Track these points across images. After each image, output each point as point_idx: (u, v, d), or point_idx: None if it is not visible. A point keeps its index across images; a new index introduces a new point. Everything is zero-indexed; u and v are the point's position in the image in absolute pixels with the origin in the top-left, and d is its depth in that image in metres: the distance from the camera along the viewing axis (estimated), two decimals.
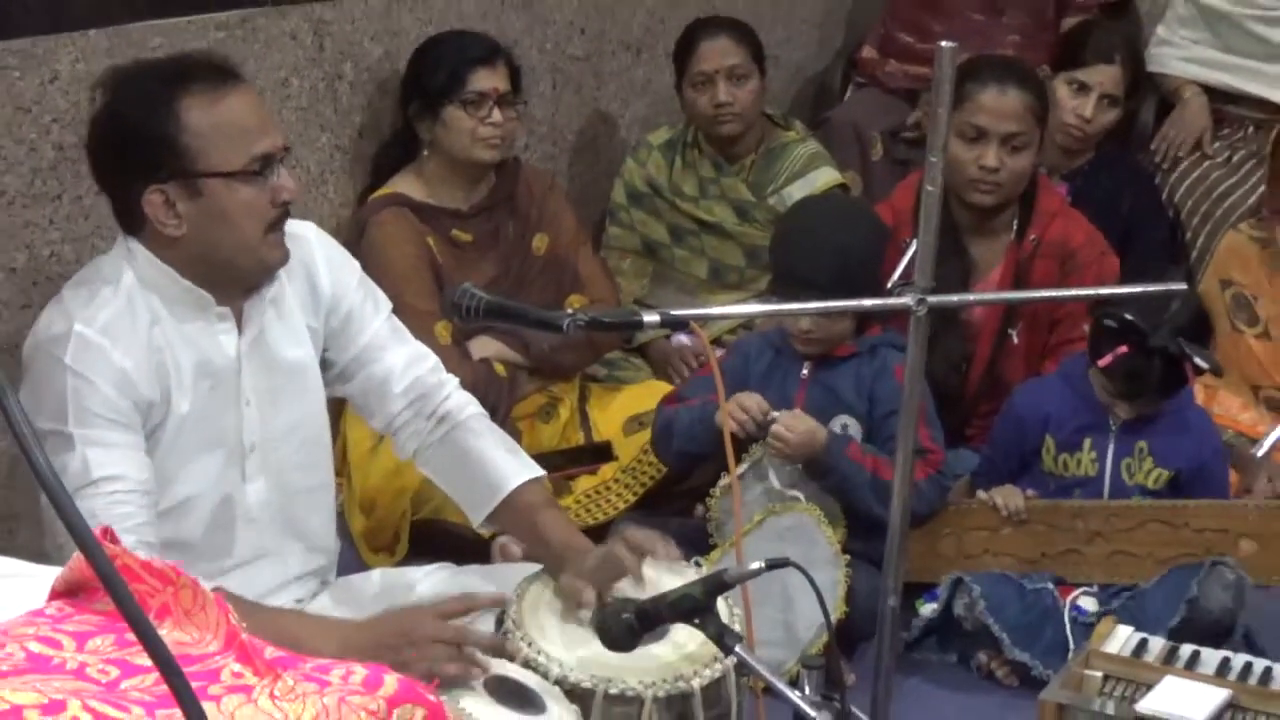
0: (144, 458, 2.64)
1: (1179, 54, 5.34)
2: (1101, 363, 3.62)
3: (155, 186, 2.62)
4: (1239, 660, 2.89)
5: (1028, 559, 3.72)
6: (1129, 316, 3.54)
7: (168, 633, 1.43)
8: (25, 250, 3.37)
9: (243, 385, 2.77)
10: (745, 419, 3.52)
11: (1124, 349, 3.58)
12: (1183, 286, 3.41)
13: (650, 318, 2.74)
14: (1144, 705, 2.73)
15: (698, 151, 4.76)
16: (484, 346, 4.05)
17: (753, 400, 3.56)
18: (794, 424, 3.55)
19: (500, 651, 2.62)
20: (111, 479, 2.57)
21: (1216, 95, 5.26)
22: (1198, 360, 3.50)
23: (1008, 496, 3.71)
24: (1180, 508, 3.69)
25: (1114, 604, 3.58)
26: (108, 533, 1.45)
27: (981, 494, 3.76)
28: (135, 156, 2.64)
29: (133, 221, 2.68)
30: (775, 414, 3.55)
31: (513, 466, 2.91)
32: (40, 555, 2.37)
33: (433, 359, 2.99)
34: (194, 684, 1.16)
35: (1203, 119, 5.22)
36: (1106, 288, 3.59)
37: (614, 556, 2.75)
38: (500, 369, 4.03)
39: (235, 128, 2.63)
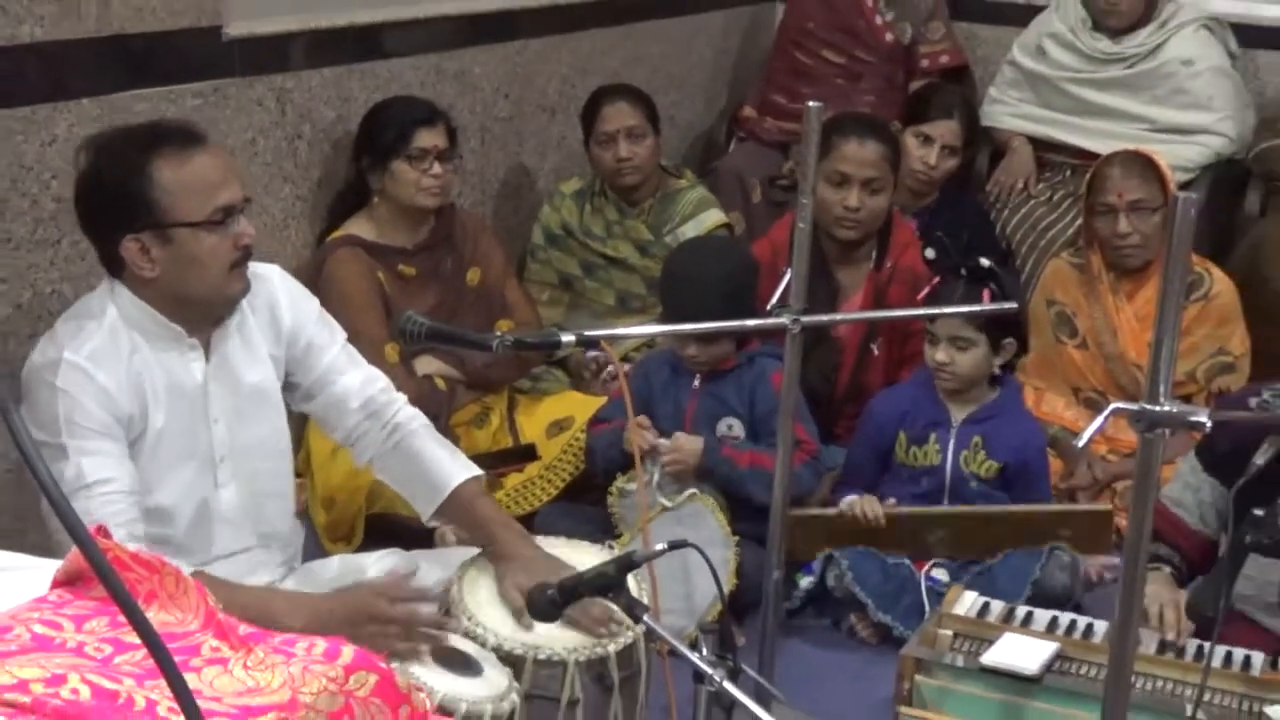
0: (129, 463, 2.62)
1: (1008, 111, 5.40)
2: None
3: (132, 236, 2.60)
4: (1065, 618, 2.92)
5: (884, 549, 3.73)
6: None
7: (154, 614, 1.41)
8: (30, 289, 3.34)
9: (210, 405, 2.75)
10: (643, 442, 3.56)
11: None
12: (1013, 306, 3.45)
13: (567, 338, 2.76)
14: (987, 658, 2.75)
15: (604, 198, 4.75)
16: (426, 365, 4.04)
17: (648, 428, 3.64)
18: (681, 445, 3.62)
19: (442, 629, 2.61)
20: (103, 481, 2.56)
21: (1039, 144, 5.32)
22: (982, 261, 3.60)
23: (868, 506, 3.71)
24: (1017, 513, 3.71)
25: (964, 578, 3.60)
26: (101, 529, 1.43)
27: (844, 505, 3.75)
28: (114, 210, 2.62)
29: (114, 265, 2.67)
30: (662, 442, 3.63)
31: (454, 468, 2.91)
32: (45, 550, 2.34)
33: (384, 379, 2.98)
34: (177, 658, 1.15)
35: (1028, 165, 5.28)
36: (950, 306, 3.62)
37: (545, 565, 2.75)
38: (441, 383, 4.02)
39: (200, 184, 2.61)
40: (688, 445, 3.64)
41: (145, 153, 2.60)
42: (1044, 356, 4.44)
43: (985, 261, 3.67)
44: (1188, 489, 3.04)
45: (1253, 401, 2.94)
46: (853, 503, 3.73)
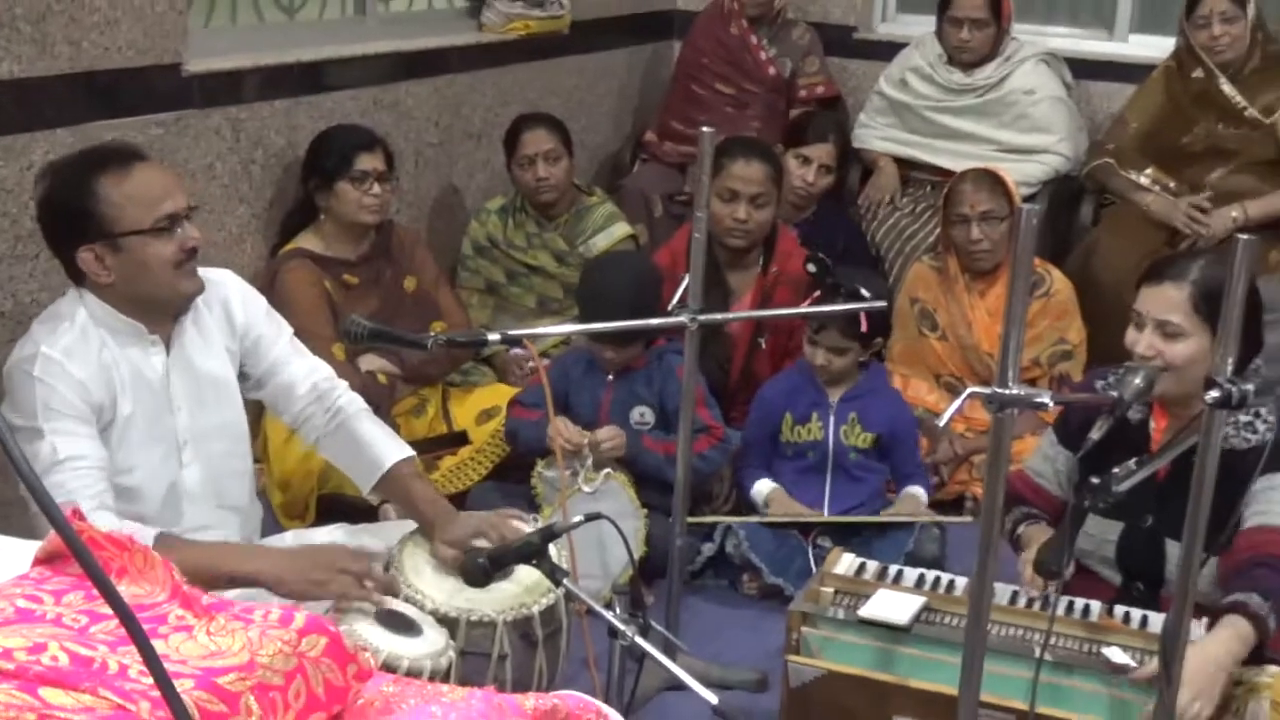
0: (99, 443, 2.59)
1: (876, 134, 5.43)
2: (805, 303, 3.78)
3: (86, 247, 2.57)
4: (931, 575, 2.93)
5: None
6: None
7: (124, 588, 1.40)
8: (11, 298, 3.29)
9: (172, 394, 2.72)
10: (563, 440, 3.53)
11: (818, 293, 3.70)
12: (883, 304, 3.47)
13: (493, 337, 2.76)
14: (864, 611, 2.76)
15: (524, 213, 4.73)
16: (369, 362, 4.00)
17: (571, 428, 3.59)
18: (612, 434, 3.60)
19: (390, 588, 2.61)
20: (75, 458, 2.53)
21: (903, 164, 5.35)
22: (862, 289, 3.56)
23: None
24: (886, 522, 3.72)
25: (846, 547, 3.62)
26: (76, 512, 1.41)
27: None
28: (68, 226, 2.60)
29: (76, 274, 2.64)
30: (591, 435, 3.59)
31: (390, 448, 2.89)
32: (27, 531, 2.30)
33: (327, 369, 2.96)
34: (146, 627, 1.14)
35: (894, 181, 5.32)
36: (828, 305, 3.63)
37: (476, 534, 2.76)
38: (382, 378, 3.99)
39: (142, 195, 2.58)
40: (617, 437, 3.62)
41: (90, 173, 2.58)
42: (909, 347, 4.48)
43: (866, 292, 3.65)
44: (1046, 460, 3.07)
45: (1099, 384, 2.98)
46: None
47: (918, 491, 3.80)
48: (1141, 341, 2.80)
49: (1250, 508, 2.73)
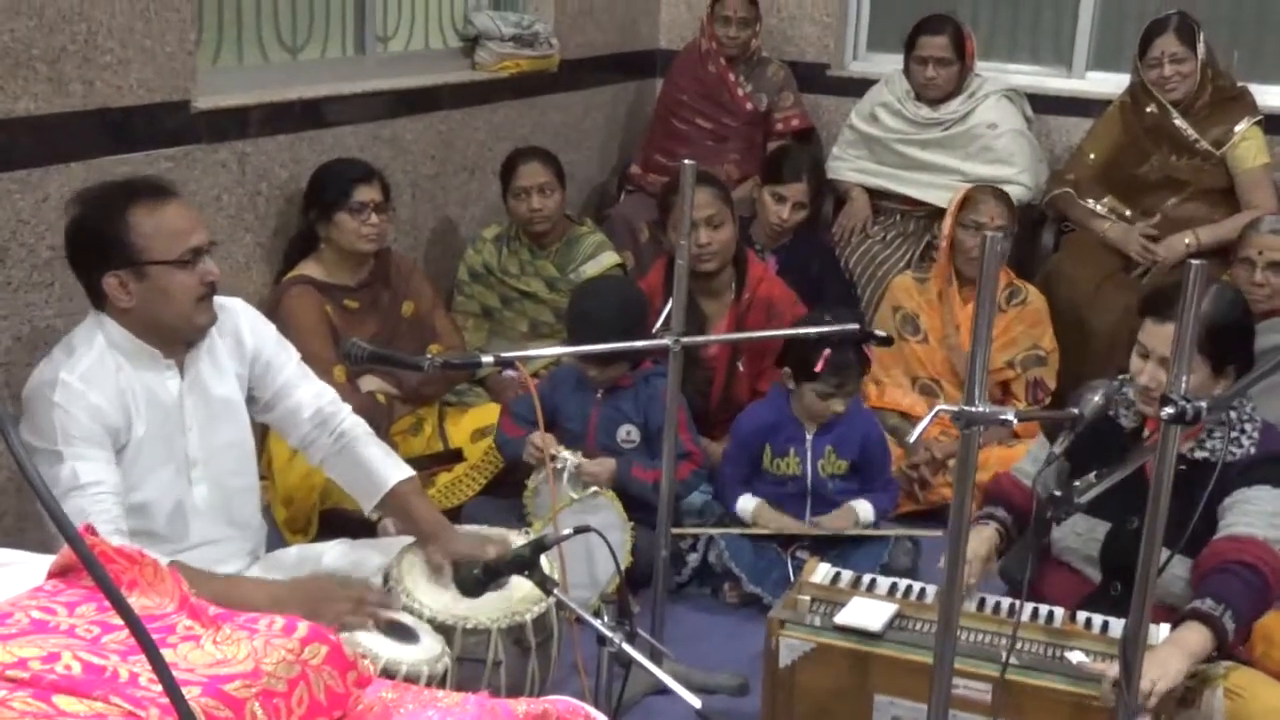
0: (115, 468, 2.57)
1: (848, 166, 5.44)
2: (817, 369, 3.63)
3: (112, 272, 2.56)
4: (903, 584, 2.93)
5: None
6: (827, 318, 3.52)
7: (135, 600, 1.39)
8: (28, 324, 3.27)
9: (185, 415, 2.71)
10: (541, 454, 3.50)
11: (828, 351, 3.61)
12: (854, 326, 3.45)
13: (487, 359, 2.75)
14: (839, 618, 2.76)
15: (518, 242, 4.73)
16: (369, 383, 4.00)
17: (549, 445, 3.54)
18: (598, 467, 3.58)
19: (387, 602, 2.59)
20: (94, 483, 2.51)
21: (874, 194, 5.36)
22: (877, 332, 3.46)
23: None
24: (867, 535, 3.73)
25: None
26: (89, 528, 1.40)
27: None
28: (97, 251, 2.59)
29: (98, 298, 2.63)
30: (576, 460, 3.55)
31: (391, 469, 2.88)
32: (43, 548, 2.29)
33: (331, 393, 2.95)
34: (155, 636, 1.13)
35: (865, 210, 5.32)
36: (799, 328, 3.62)
37: (472, 547, 2.76)
38: (381, 398, 3.98)
39: (171, 229, 2.58)
40: (604, 468, 3.60)
41: (124, 203, 2.57)
42: (887, 351, 4.48)
43: (879, 334, 3.53)
44: (1036, 461, 3.05)
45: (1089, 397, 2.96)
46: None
47: (859, 505, 3.76)
48: (1145, 373, 2.80)
49: (1223, 519, 2.75)
